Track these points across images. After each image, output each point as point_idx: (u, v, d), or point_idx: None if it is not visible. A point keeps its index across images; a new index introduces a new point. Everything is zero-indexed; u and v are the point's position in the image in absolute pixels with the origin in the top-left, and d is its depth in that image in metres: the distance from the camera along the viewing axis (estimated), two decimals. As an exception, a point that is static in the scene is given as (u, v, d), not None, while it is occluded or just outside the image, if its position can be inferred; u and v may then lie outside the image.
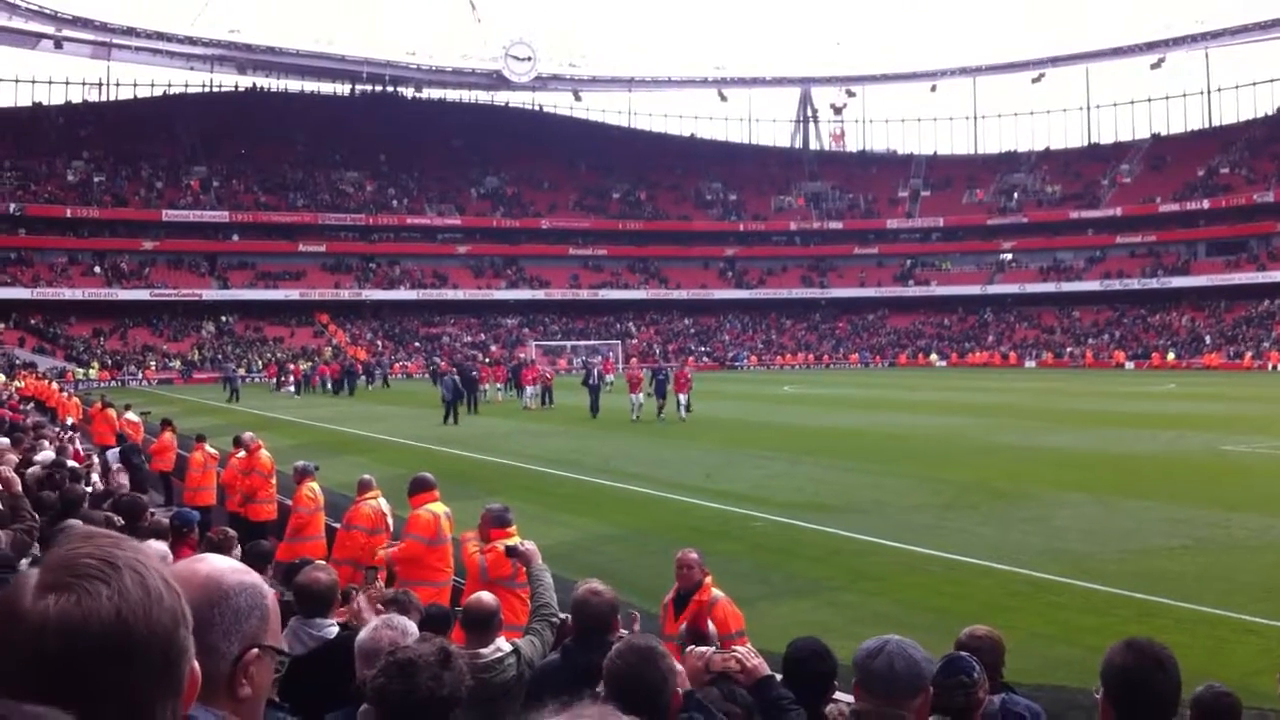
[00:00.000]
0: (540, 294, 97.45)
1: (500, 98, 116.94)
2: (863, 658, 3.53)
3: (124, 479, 20.05)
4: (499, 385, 51.79)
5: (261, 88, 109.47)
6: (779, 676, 4.78)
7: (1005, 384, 57.83)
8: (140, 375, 75.49)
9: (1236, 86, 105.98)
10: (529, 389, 45.69)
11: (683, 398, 37.85)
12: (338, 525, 12.51)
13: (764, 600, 12.55)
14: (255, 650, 1.88)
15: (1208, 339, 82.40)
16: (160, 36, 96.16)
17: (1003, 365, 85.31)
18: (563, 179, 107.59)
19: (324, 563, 7.90)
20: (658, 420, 37.14)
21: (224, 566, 1.93)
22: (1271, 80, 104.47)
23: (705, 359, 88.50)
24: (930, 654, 3.63)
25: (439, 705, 3.27)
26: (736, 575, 13.31)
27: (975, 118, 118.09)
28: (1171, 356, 79.98)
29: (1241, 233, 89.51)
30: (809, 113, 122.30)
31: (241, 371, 64.10)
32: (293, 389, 62.31)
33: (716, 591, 6.75)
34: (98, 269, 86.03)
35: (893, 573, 14.22)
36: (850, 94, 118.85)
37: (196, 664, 1.54)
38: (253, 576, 1.95)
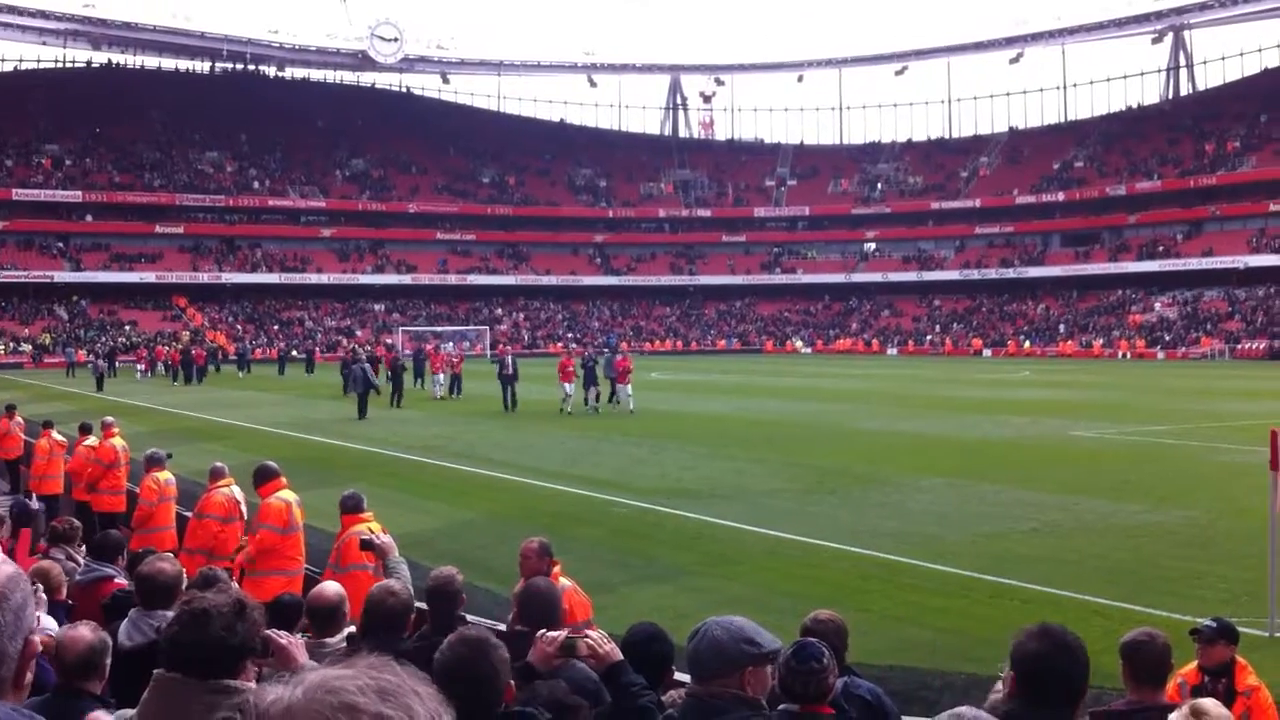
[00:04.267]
0: (407, 279, 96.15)
1: (366, 78, 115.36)
2: (686, 640, 3.64)
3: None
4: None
5: (117, 64, 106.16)
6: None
7: (867, 370, 58.86)
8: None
9: (1091, 82, 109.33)
10: (438, 377, 43.19)
11: (627, 389, 35.11)
12: (189, 514, 12.19)
13: (624, 585, 12.59)
14: (36, 639, 1.84)
15: (1062, 327, 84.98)
16: (11, 10, 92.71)
17: (866, 352, 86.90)
18: (430, 162, 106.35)
19: (168, 554, 7.69)
20: (587, 410, 34.71)
21: None
22: (1125, 76, 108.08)
23: (574, 345, 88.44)
24: (752, 633, 3.62)
25: (230, 654, 3.26)
26: (597, 560, 13.36)
27: (841, 108, 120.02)
28: (1027, 344, 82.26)
29: (1094, 224, 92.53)
30: (679, 100, 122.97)
31: (97, 359, 61.80)
32: (150, 373, 61.01)
33: (564, 580, 6.70)
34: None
35: (752, 557, 14.35)
36: (719, 83, 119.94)
37: None
38: (8, 563, 1.86)
